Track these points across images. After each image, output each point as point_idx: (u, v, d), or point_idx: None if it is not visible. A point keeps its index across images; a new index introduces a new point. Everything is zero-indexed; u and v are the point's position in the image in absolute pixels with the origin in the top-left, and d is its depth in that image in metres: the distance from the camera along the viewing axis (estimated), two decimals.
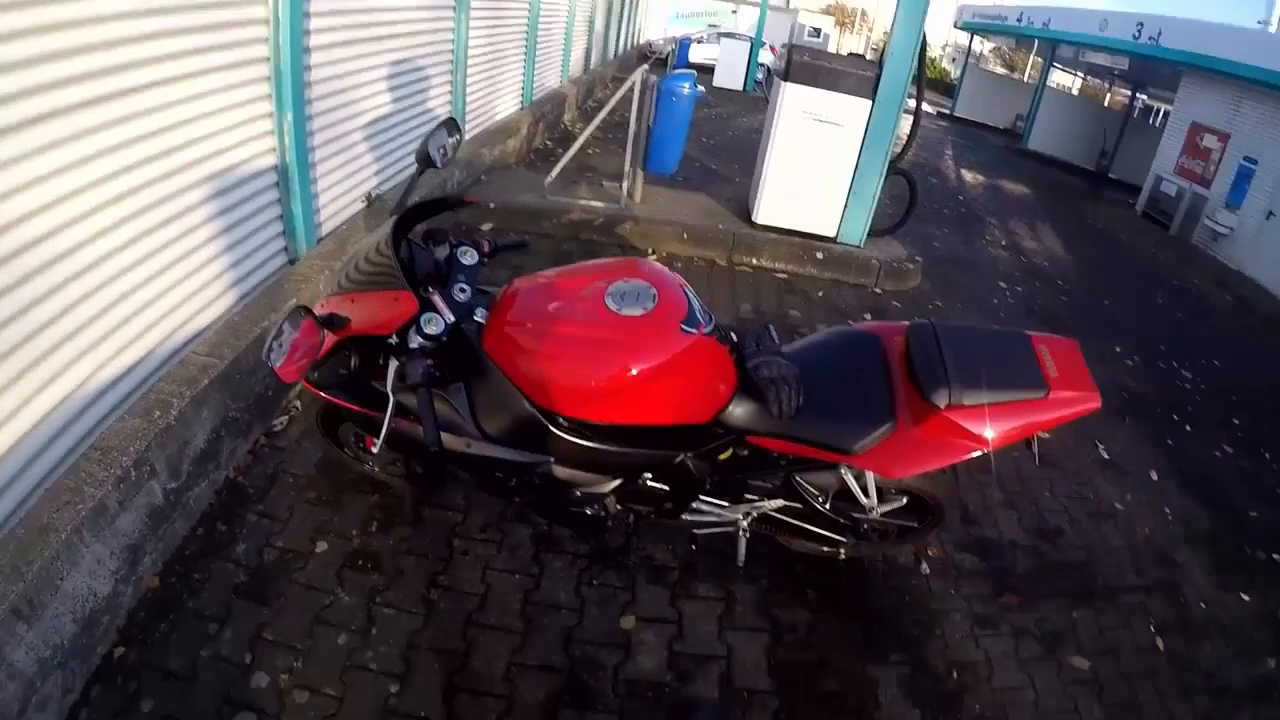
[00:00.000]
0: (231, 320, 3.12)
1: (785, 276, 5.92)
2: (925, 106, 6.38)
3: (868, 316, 5.46)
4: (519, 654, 2.51)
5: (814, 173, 5.87)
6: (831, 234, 6.11)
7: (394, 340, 2.00)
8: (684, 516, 2.63)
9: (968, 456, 2.27)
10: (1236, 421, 5.45)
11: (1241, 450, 5.03)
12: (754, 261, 5.99)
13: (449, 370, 2.16)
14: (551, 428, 2.18)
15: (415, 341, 1.96)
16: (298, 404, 3.36)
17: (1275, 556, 4.03)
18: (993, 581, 3.23)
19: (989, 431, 2.23)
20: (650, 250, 5.90)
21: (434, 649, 2.46)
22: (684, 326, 2.08)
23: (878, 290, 6.00)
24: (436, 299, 2.02)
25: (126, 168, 2.53)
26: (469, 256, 2.24)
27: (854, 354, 2.50)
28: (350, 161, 4.35)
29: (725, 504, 2.67)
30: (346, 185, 4.35)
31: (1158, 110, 15.16)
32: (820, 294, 5.71)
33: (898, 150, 6.05)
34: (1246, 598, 3.64)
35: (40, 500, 2.20)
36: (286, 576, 2.62)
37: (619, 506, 2.56)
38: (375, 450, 2.41)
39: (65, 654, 2.17)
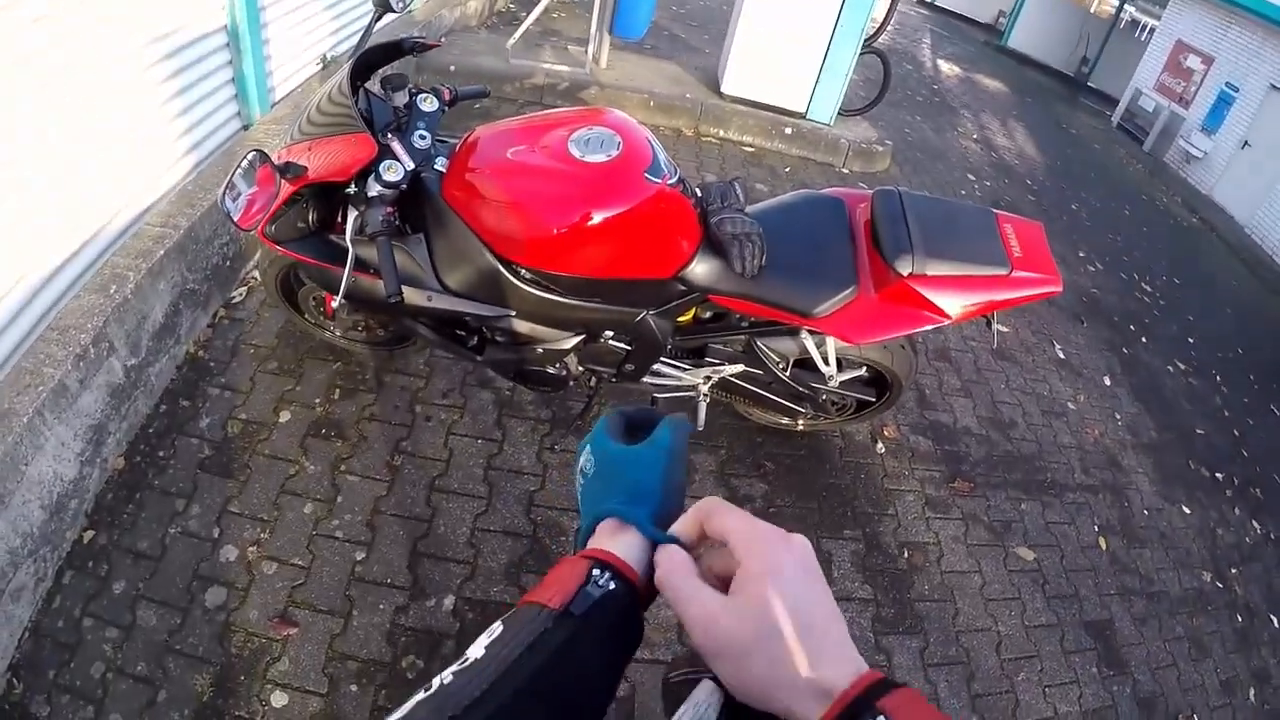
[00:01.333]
0: (185, 189, 3.02)
1: (752, 150, 5.69)
2: None
3: None
4: (482, 519, 2.52)
5: (785, 44, 5.53)
6: (801, 109, 5.82)
7: (353, 190, 1.97)
8: (644, 380, 2.57)
9: (928, 326, 2.23)
10: (1190, 341, 5.48)
11: (1194, 370, 5.08)
12: (721, 133, 5.72)
13: (409, 220, 2.13)
14: (513, 279, 2.12)
15: (374, 189, 1.90)
16: (255, 275, 3.25)
17: (1218, 475, 4.07)
18: (946, 467, 3.21)
19: (950, 303, 2.19)
20: None
21: (399, 515, 2.49)
22: (648, 175, 2.01)
23: (845, 170, 5.79)
24: (395, 145, 1.97)
25: (71, 31, 2.38)
26: (429, 103, 2.12)
27: (819, 217, 2.40)
28: (305, 21, 4.16)
29: (686, 367, 2.60)
30: (302, 45, 4.18)
31: (1144, 25, 14.80)
32: (787, 170, 5.50)
33: (873, 30, 5.73)
34: (1188, 510, 3.69)
35: (0, 384, 2.14)
36: (251, 449, 2.61)
37: (580, 368, 2.50)
38: (335, 308, 2.32)
39: (36, 542, 2.17)
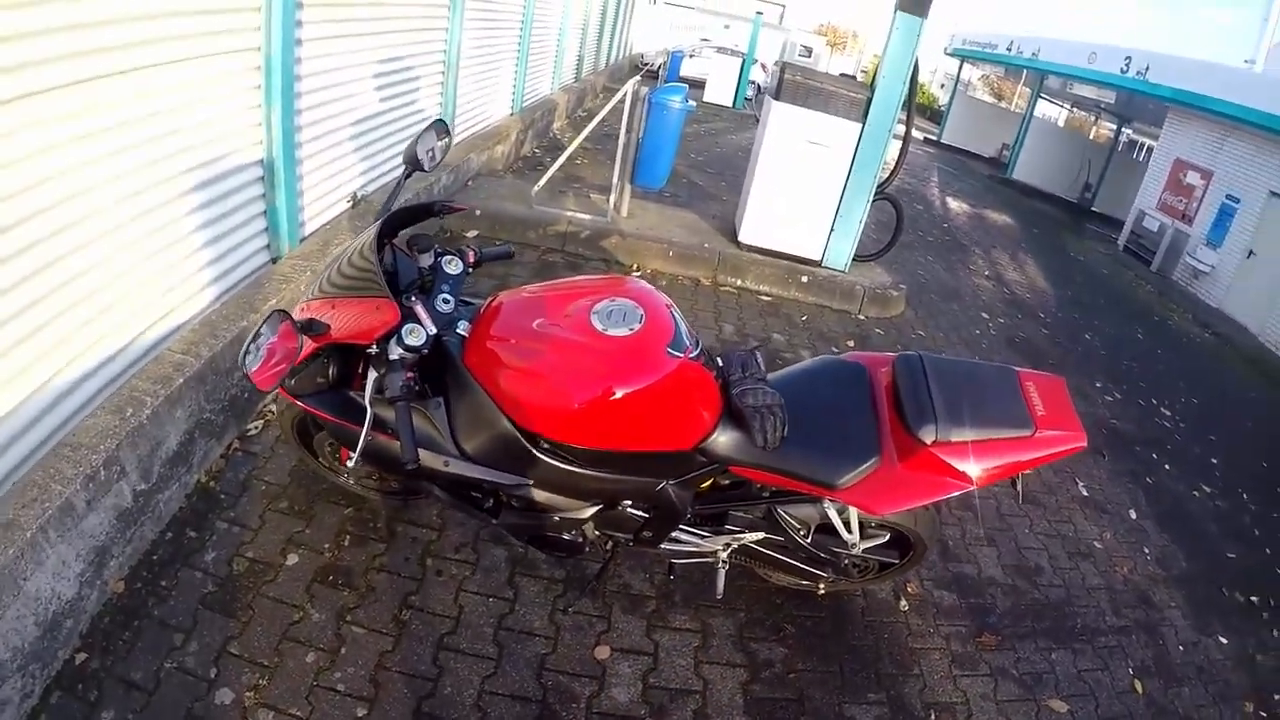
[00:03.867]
0: (209, 318, 3.03)
1: (769, 299, 5.87)
2: (914, 131, 6.38)
3: (851, 344, 5.42)
4: (490, 681, 2.44)
5: (801, 194, 5.83)
6: (817, 257, 6.07)
7: (374, 350, 1.95)
8: (663, 545, 2.56)
9: (952, 494, 2.22)
10: (1214, 461, 5.47)
11: (1219, 490, 5.05)
12: (738, 283, 5.93)
13: (429, 384, 2.10)
14: (531, 449, 2.11)
15: (395, 352, 1.89)
16: (273, 408, 3.25)
17: (1253, 599, 4.02)
18: (971, 620, 3.19)
19: (974, 469, 2.19)
20: (635, 267, 5.83)
21: (404, 673, 2.39)
22: (669, 350, 2.01)
23: (861, 317, 5.97)
24: (419, 309, 1.97)
25: (109, 153, 2.45)
26: (454, 266, 2.17)
27: (840, 385, 2.45)
28: (337, 159, 4.27)
29: (705, 534, 2.60)
30: (333, 184, 4.26)
31: (1142, 145, 15.26)
32: (804, 318, 5.66)
33: (885, 175, 6.01)
34: (1224, 640, 3.63)
35: (6, 495, 2.12)
36: (255, 589, 2.54)
37: (597, 533, 2.49)
38: (350, 464, 2.33)
39: (25, 657, 2.11)
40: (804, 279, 5.92)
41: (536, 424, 2.07)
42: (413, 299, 2.00)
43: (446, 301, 2.08)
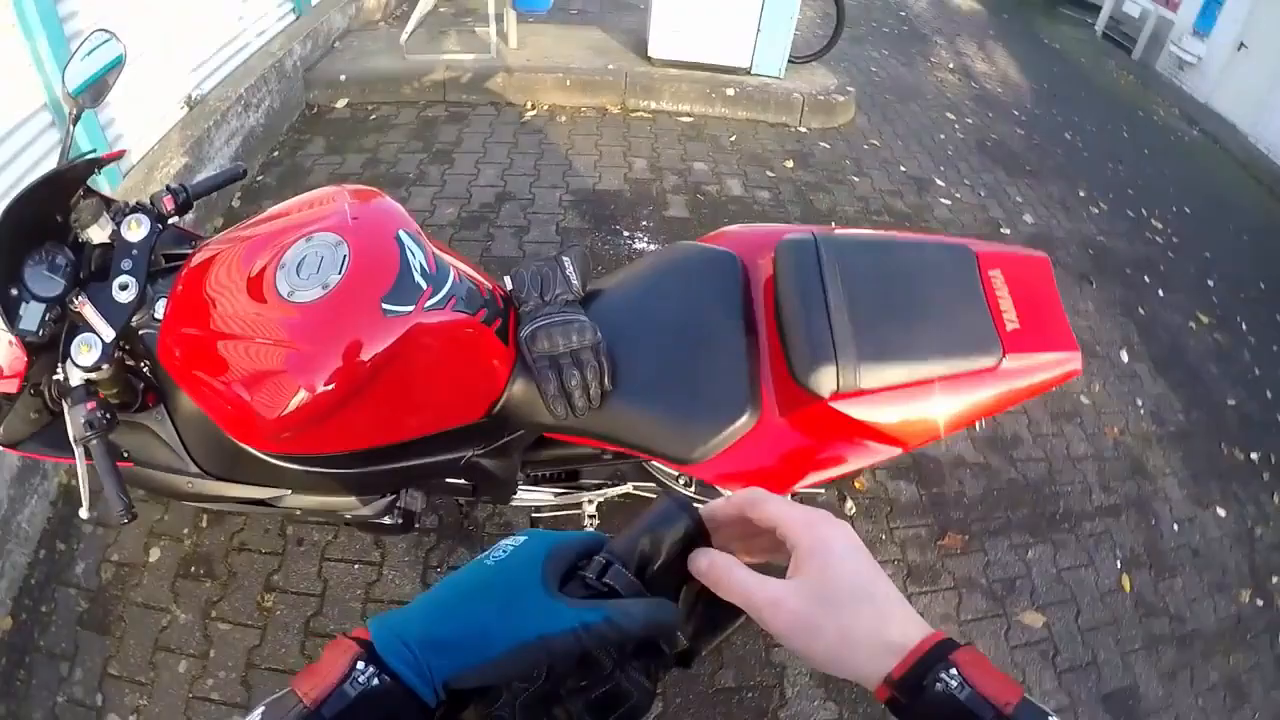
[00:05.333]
0: None
1: (691, 120, 4.96)
2: None
3: (789, 164, 4.55)
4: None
5: None
6: (744, 64, 5.09)
7: (60, 375, 1.41)
8: (518, 501, 2.01)
9: (870, 463, 1.55)
10: (1210, 284, 4.75)
11: (1216, 320, 4.38)
12: (653, 105, 4.99)
13: (140, 395, 1.53)
14: (268, 460, 1.53)
15: (75, 377, 1.38)
16: None
17: (1253, 456, 3.44)
18: (934, 518, 2.56)
19: (902, 426, 1.47)
20: (529, 104, 4.91)
21: (273, 669, 2.23)
22: (386, 306, 1.34)
23: (803, 129, 5.05)
24: (87, 310, 1.40)
25: None
26: (135, 229, 1.49)
27: (697, 296, 1.66)
28: (149, 70, 3.69)
29: (560, 490, 2.01)
30: (151, 99, 3.74)
31: None
32: (733, 139, 4.77)
33: None
34: (1222, 512, 3.10)
35: None
36: (124, 597, 2.40)
37: (424, 504, 1.88)
38: (85, 516, 1.56)
39: None
40: (730, 91, 4.97)
41: (250, 439, 1.46)
42: (79, 298, 1.41)
43: (125, 287, 1.45)
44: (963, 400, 1.46)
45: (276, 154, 4.57)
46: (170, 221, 1.58)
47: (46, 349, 1.42)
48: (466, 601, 0.56)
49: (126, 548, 2.48)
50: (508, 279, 1.62)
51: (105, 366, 1.41)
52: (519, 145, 4.50)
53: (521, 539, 0.59)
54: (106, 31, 1.70)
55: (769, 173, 4.44)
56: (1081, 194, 5.29)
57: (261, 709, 0.49)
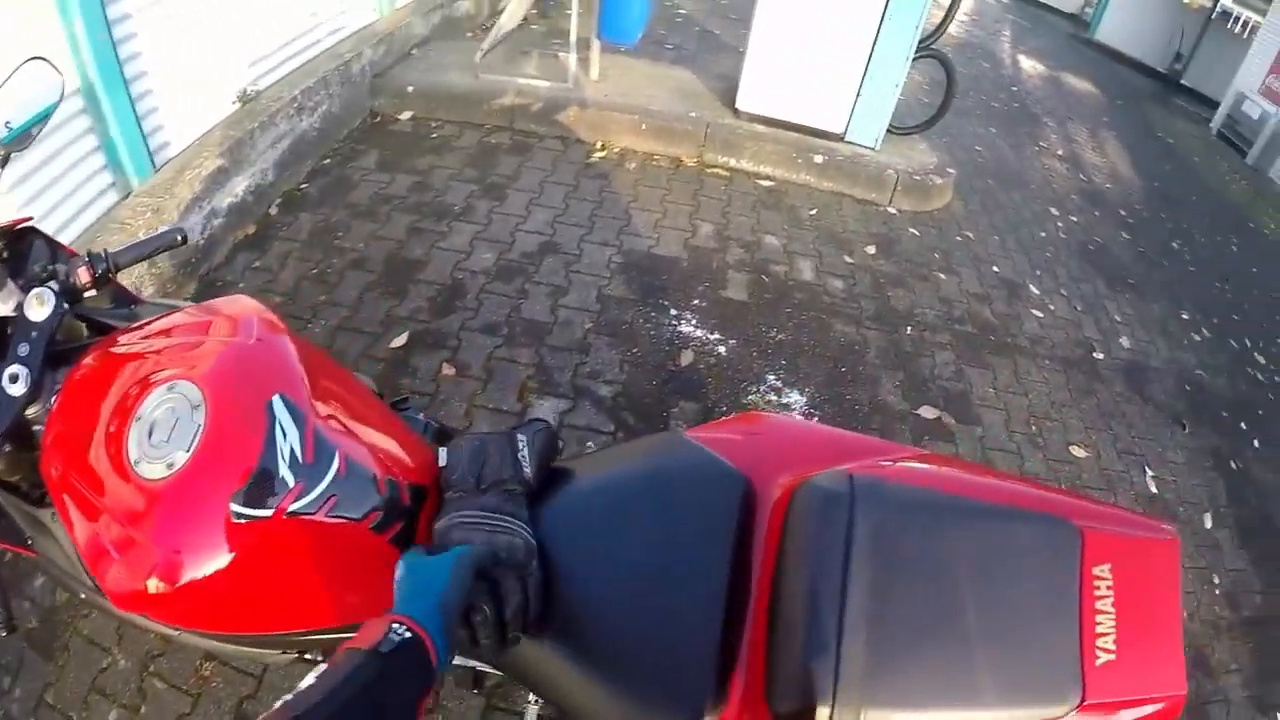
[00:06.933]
0: None
1: (771, 185, 4.54)
2: None
3: (871, 250, 4.11)
4: None
5: (817, 47, 4.40)
6: (838, 130, 4.67)
7: None
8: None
9: None
10: None
11: None
12: (732, 163, 4.60)
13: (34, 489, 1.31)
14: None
15: None
16: None
17: None
18: None
19: None
20: (599, 144, 4.57)
21: None
22: (236, 507, 1.06)
23: (892, 210, 4.60)
24: None
25: None
26: (38, 308, 1.26)
27: (682, 523, 1.25)
28: (197, 62, 3.56)
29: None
30: (197, 90, 3.60)
31: (1239, 17, 13.28)
32: (813, 212, 4.34)
33: (934, 24, 4.57)
34: None
35: None
36: (73, 625, 2.35)
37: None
38: None
39: None
40: (818, 158, 4.55)
41: (110, 594, 1.15)
42: None
43: (15, 379, 1.23)
44: None
45: (328, 161, 4.31)
46: (87, 295, 1.34)
47: None
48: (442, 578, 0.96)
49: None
50: (444, 452, 1.28)
51: None
52: (579, 189, 4.15)
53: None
54: (45, 62, 1.43)
55: (847, 258, 4.01)
56: (1184, 316, 4.76)
57: (324, 666, 0.75)
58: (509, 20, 4.66)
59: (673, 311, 3.45)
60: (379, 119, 4.72)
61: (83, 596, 1.37)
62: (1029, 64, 9.77)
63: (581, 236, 3.81)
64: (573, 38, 4.58)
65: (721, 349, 3.32)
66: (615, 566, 1.22)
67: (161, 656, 2.22)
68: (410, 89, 4.67)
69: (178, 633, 1.26)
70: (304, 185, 4.16)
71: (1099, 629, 1.05)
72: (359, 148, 4.45)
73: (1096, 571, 1.09)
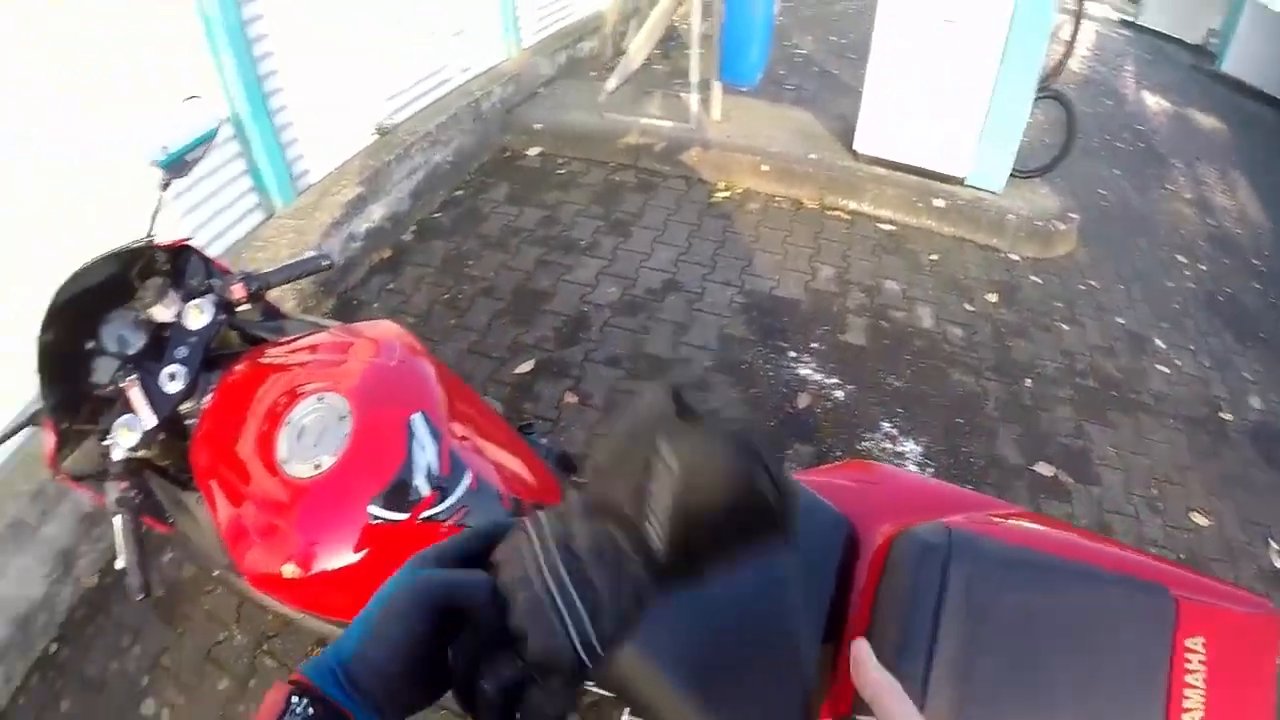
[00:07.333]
0: None
1: (891, 229, 4.55)
2: (1105, 9, 4.77)
3: (992, 298, 4.07)
4: None
5: (936, 89, 4.39)
6: (960, 174, 4.65)
7: (107, 442, 1.42)
8: None
9: None
10: None
11: None
12: (852, 206, 4.63)
13: (181, 473, 1.50)
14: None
15: (119, 451, 1.39)
16: None
17: None
18: None
19: None
20: (722, 185, 4.66)
21: None
22: (375, 510, 1.20)
23: (1014, 257, 4.55)
24: (133, 393, 1.41)
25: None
26: (197, 316, 1.50)
27: (769, 585, 1.14)
28: (337, 95, 3.87)
29: None
30: (336, 122, 3.92)
31: None
32: (934, 258, 4.34)
33: (1053, 63, 4.52)
34: None
35: None
36: (195, 599, 2.58)
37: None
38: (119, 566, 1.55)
39: (3, 649, 2.40)
40: (939, 203, 4.54)
41: (245, 575, 1.32)
42: (130, 377, 1.42)
43: (174, 377, 1.45)
44: None
45: (460, 193, 4.51)
46: (240, 308, 1.56)
47: (105, 411, 1.45)
48: (371, 613, 0.60)
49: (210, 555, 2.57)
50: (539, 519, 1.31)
51: (144, 451, 1.40)
52: (701, 229, 4.24)
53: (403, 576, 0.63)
54: (204, 100, 1.71)
55: (968, 305, 3.99)
56: None
57: None
58: (632, 61, 4.79)
59: (791, 354, 3.50)
60: (508, 154, 4.92)
61: (215, 574, 1.59)
62: (1153, 100, 9.45)
63: (704, 275, 3.90)
64: (694, 78, 4.69)
65: (839, 393, 3.34)
66: (711, 589, 1.19)
67: (276, 637, 2.38)
68: (538, 126, 4.87)
69: (301, 615, 1.40)
70: (437, 214, 4.36)
71: (1186, 704, 1.01)
72: (489, 180, 4.64)
73: (1189, 644, 1.04)
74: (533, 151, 4.91)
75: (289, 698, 0.55)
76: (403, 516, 1.22)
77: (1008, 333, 3.90)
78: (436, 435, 1.28)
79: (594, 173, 4.72)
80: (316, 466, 1.24)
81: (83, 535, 2.66)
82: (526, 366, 3.32)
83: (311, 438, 1.26)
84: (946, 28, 4.19)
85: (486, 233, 4.23)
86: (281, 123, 3.50)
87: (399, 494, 1.23)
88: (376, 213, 4.00)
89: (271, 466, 1.26)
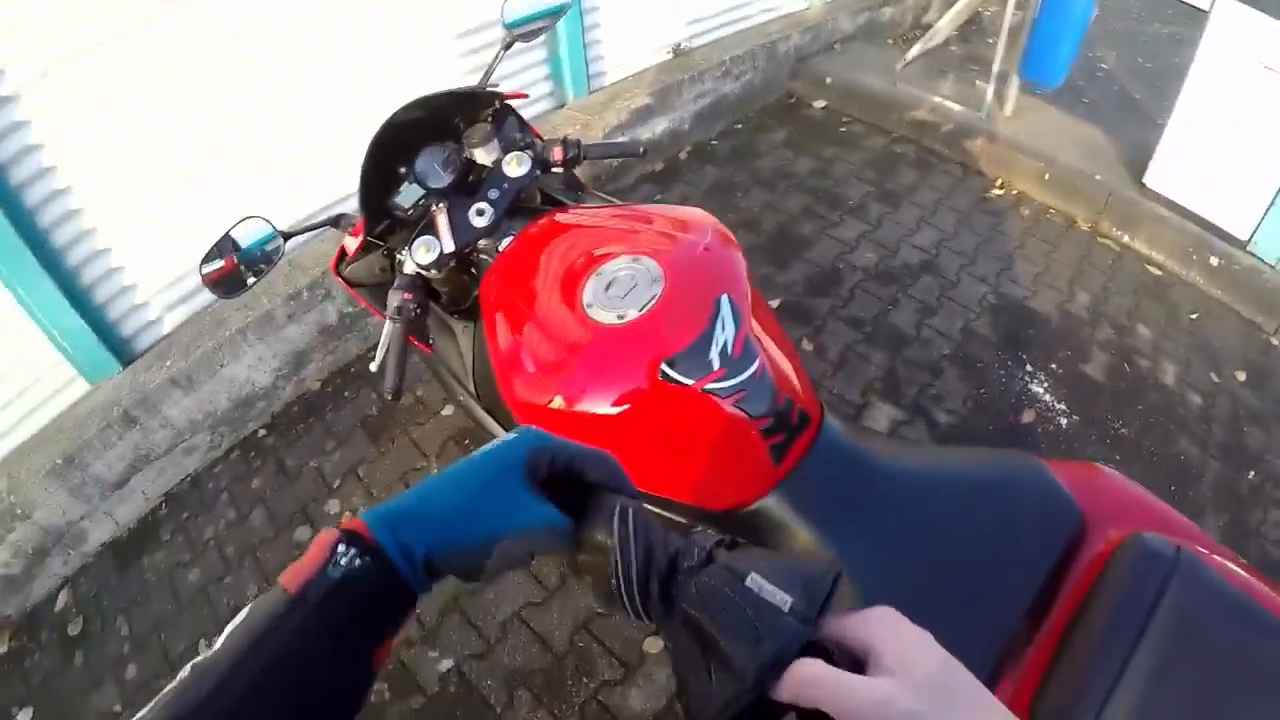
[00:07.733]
0: None
1: (1158, 274, 4.42)
2: None
3: (1240, 376, 3.94)
4: None
5: (1240, 140, 4.13)
6: (1243, 235, 4.39)
7: (401, 256, 1.63)
8: None
9: None
10: None
11: None
12: (1125, 238, 4.50)
13: (467, 301, 1.72)
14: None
15: (410, 266, 1.60)
16: None
17: None
18: None
19: None
20: (999, 182, 4.62)
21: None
22: (666, 369, 1.30)
23: (1275, 341, 4.34)
24: (440, 219, 1.61)
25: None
26: (515, 166, 1.68)
27: (1009, 536, 1.33)
28: (652, 7, 4.21)
29: None
30: (644, 34, 4.26)
31: None
32: (1193, 316, 4.21)
33: None
34: None
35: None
36: (405, 427, 2.88)
37: None
38: (373, 369, 1.79)
39: (216, 420, 2.81)
40: (1214, 261, 4.35)
41: (509, 402, 1.47)
42: (440, 204, 1.63)
43: (481, 213, 1.64)
44: None
45: (739, 126, 4.68)
46: (553, 169, 1.73)
47: (405, 228, 1.65)
48: (451, 482, 0.62)
49: (432, 393, 2.98)
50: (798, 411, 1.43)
51: (436, 271, 1.59)
52: (970, 220, 4.28)
53: (513, 435, 0.63)
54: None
55: (1213, 376, 3.89)
56: None
57: (249, 608, 0.53)
58: (936, 37, 4.76)
59: (1029, 367, 3.55)
60: (794, 100, 5.06)
61: (460, 398, 1.78)
62: None
63: (962, 266, 3.96)
64: (995, 68, 4.62)
65: (1063, 420, 3.37)
66: (927, 549, 1.33)
67: None
68: (829, 80, 4.96)
69: None
70: (715, 141, 4.56)
71: None
72: (770, 121, 4.78)
73: None
74: (818, 104, 5.00)
75: (335, 545, 0.54)
76: (690, 382, 1.29)
77: (1246, 416, 3.78)
78: (738, 319, 1.35)
79: (875, 138, 4.76)
80: (620, 316, 1.34)
81: (320, 344, 2.96)
82: (772, 304, 3.49)
83: (620, 290, 1.37)
84: (1266, 75, 3.94)
85: (758, 169, 4.39)
86: (590, 23, 3.74)
87: (692, 360, 1.30)
88: (659, 125, 4.22)
89: (574, 307, 1.38)
